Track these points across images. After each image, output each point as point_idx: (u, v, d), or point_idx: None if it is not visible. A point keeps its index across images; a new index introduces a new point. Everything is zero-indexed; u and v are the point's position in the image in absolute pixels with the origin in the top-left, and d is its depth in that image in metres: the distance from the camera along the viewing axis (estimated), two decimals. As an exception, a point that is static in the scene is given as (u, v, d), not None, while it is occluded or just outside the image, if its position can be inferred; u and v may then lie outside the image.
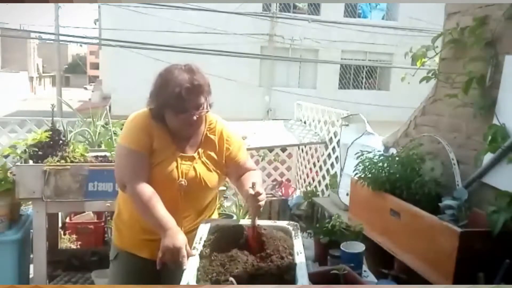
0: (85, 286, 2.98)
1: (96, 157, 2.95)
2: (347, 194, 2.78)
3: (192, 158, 1.69)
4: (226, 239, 1.55)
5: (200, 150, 1.72)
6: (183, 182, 1.65)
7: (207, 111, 1.67)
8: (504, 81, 1.95)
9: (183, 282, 1.34)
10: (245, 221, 1.66)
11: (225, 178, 1.84)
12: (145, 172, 1.63)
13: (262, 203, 1.55)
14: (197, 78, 1.59)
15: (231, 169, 1.77)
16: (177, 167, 1.66)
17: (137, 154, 1.62)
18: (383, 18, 15.38)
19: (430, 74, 2.40)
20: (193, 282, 1.36)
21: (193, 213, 1.73)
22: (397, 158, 2.24)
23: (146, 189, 1.59)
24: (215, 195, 1.86)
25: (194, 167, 1.68)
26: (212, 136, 1.74)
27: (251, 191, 1.53)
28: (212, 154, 1.73)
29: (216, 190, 1.83)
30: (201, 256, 1.48)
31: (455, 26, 2.25)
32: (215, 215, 1.88)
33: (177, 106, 1.58)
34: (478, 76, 2.05)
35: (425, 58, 2.43)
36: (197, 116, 1.62)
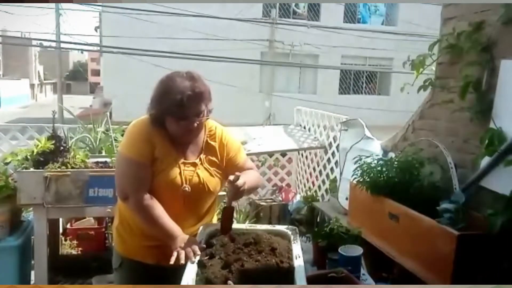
0: (85, 286, 3.00)
1: (97, 163, 2.97)
2: (346, 198, 2.79)
3: (194, 164, 1.72)
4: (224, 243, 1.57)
5: (202, 156, 1.75)
6: (187, 188, 1.68)
7: (207, 118, 1.70)
8: (500, 85, 1.96)
9: (183, 283, 1.35)
10: (243, 226, 1.67)
11: (226, 182, 1.85)
12: (147, 182, 1.65)
13: (240, 187, 1.57)
14: (199, 86, 1.61)
15: (230, 171, 1.76)
16: (180, 173, 1.68)
17: (138, 164, 1.64)
18: (382, 24, 15.45)
19: (426, 83, 2.42)
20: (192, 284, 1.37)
21: (194, 218, 1.76)
22: (395, 163, 2.26)
23: (150, 201, 1.62)
24: (215, 200, 1.88)
25: (197, 173, 1.71)
26: (213, 143, 1.78)
27: (231, 177, 1.57)
28: (214, 159, 1.77)
29: (216, 194, 1.86)
30: (200, 260, 1.50)
31: (452, 32, 2.27)
32: (214, 220, 1.90)
33: (178, 113, 1.60)
34: (474, 80, 2.06)
35: (423, 67, 2.44)
36: (197, 123, 1.65)
